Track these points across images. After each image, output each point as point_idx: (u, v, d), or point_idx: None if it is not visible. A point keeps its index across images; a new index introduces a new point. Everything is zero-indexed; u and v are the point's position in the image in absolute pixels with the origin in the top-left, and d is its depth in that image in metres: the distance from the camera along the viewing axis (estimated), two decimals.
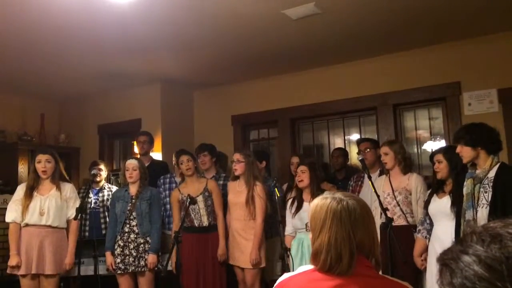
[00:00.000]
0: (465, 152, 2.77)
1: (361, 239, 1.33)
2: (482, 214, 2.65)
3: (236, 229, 3.78)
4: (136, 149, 5.17)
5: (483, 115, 4.14)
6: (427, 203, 3.22)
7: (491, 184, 2.66)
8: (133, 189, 3.91)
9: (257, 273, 3.71)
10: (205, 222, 3.85)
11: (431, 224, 3.19)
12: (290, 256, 3.23)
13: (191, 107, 6.11)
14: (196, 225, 3.83)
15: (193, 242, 3.79)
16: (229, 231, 3.87)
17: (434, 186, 3.26)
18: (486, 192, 2.67)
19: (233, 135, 5.81)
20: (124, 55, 4.58)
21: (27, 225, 3.65)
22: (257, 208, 3.70)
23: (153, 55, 4.66)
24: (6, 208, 3.80)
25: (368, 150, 4.02)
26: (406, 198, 3.43)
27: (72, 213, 3.76)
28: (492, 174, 2.69)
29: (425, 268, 3.19)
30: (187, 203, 3.53)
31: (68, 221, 3.81)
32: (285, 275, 1.41)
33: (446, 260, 0.78)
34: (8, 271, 3.64)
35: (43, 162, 3.72)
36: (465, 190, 2.78)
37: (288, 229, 3.74)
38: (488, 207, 2.63)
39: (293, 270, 2.24)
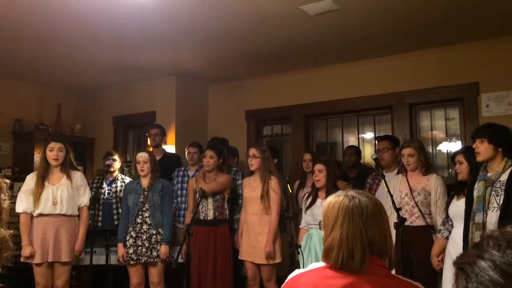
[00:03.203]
0: (485, 150, 2.70)
1: (373, 237, 1.32)
2: (492, 217, 2.60)
3: (252, 223, 3.78)
4: (148, 142, 5.20)
5: (501, 117, 4.06)
6: (447, 205, 3.19)
7: (504, 187, 2.60)
8: (144, 182, 3.94)
9: (273, 269, 3.71)
10: (210, 216, 3.86)
11: (453, 225, 3.16)
12: (301, 253, 3.23)
13: (205, 101, 6.12)
14: (202, 217, 3.86)
15: (197, 234, 3.80)
16: (243, 226, 3.88)
17: (456, 188, 3.20)
18: (498, 196, 2.61)
19: (247, 130, 5.81)
20: (142, 48, 4.61)
21: (40, 214, 3.67)
22: (271, 202, 3.71)
23: (170, 49, 4.67)
24: None
25: (386, 150, 3.95)
26: (426, 199, 3.39)
27: (83, 200, 3.81)
28: (504, 177, 2.63)
29: (441, 268, 3.16)
30: (199, 196, 3.54)
31: (79, 209, 3.85)
32: (296, 272, 1.40)
33: (462, 264, 0.78)
34: (22, 260, 3.66)
35: (56, 150, 3.73)
36: (476, 193, 2.73)
37: (302, 223, 3.77)
38: (498, 211, 2.58)
39: (303, 267, 2.24)
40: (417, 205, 3.37)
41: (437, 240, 3.23)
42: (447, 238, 3.16)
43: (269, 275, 3.70)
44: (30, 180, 3.76)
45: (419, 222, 3.34)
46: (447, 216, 3.19)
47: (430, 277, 3.16)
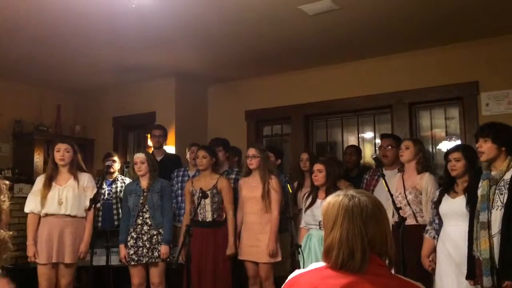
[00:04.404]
0: (489, 149, 2.71)
1: (373, 236, 1.31)
2: (496, 216, 2.60)
3: (251, 223, 3.79)
4: (150, 142, 5.19)
5: (501, 116, 4.06)
6: (437, 203, 3.16)
7: (507, 186, 2.61)
8: (144, 182, 3.95)
9: (271, 268, 3.72)
10: (209, 218, 3.86)
11: (440, 224, 3.14)
12: (301, 253, 3.23)
13: (205, 101, 6.12)
14: (200, 219, 3.86)
15: (196, 235, 3.79)
16: (242, 226, 3.88)
17: (445, 185, 3.19)
18: (501, 194, 2.62)
19: (247, 130, 5.81)
20: (141, 48, 4.61)
21: (46, 214, 3.71)
22: (272, 201, 3.72)
23: (170, 49, 4.67)
24: (22, 197, 3.87)
25: (390, 147, 3.96)
26: (416, 197, 3.39)
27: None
28: (508, 176, 2.64)
29: (433, 269, 3.14)
30: (199, 197, 3.54)
31: (85, 210, 3.86)
32: (297, 272, 1.40)
33: None
34: (29, 260, 3.71)
35: (62, 151, 3.78)
36: (480, 191, 2.73)
37: (302, 223, 3.77)
38: (502, 209, 2.58)
39: (303, 267, 2.24)
40: (409, 204, 3.38)
41: (426, 241, 3.21)
42: (434, 237, 3.16)
43: (267, 274, 3.71)
44: (39, 181, 3.83)
45: (410, 221, 3.32)
46: (435, 214, 3.18)
47: (424, 276, 3.14)
